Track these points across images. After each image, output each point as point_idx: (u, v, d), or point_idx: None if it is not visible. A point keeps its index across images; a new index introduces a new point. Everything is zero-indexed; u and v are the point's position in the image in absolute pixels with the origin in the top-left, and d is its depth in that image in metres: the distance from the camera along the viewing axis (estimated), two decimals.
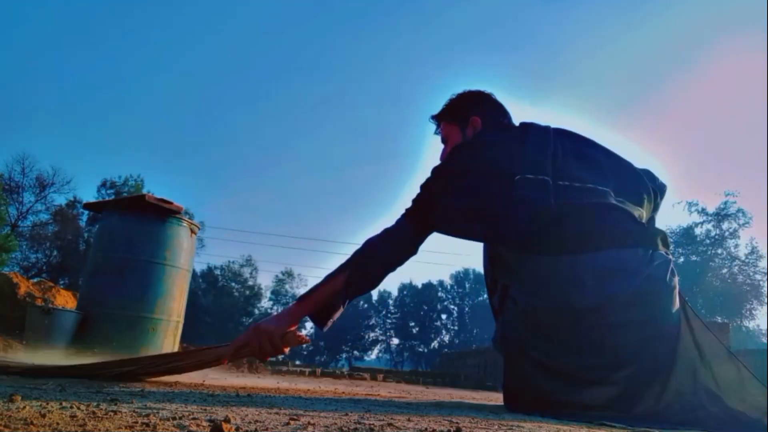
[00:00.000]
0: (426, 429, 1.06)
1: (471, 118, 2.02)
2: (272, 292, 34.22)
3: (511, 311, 1.73)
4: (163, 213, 3.72)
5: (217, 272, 33.04)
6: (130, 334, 3.48)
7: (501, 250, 1.78)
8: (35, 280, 8.65)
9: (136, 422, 0.90)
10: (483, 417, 1.47)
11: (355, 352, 34.00)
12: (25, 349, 3.35)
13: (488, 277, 1.93)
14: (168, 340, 3.67)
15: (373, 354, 34.87)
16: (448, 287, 35.61)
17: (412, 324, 34.45)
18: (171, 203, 3.71)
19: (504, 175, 1.75)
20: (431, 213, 1.82)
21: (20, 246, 21.36)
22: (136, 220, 3.69)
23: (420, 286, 35.23)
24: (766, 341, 24.50)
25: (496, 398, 2.91)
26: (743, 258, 22.51)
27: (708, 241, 22.95)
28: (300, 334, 1.75)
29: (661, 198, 1.97)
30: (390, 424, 1.09)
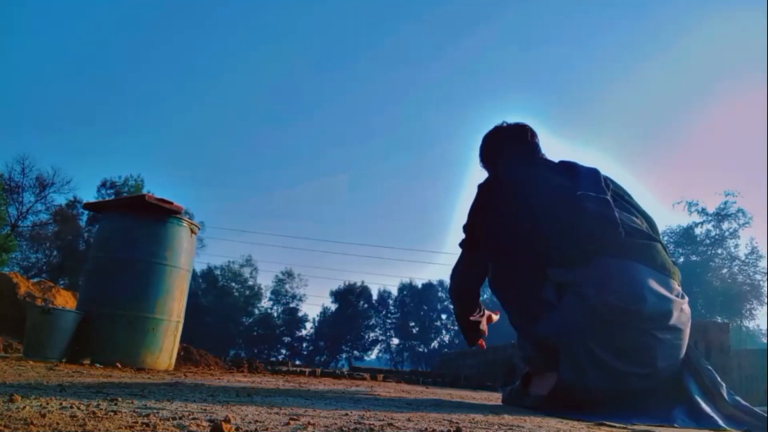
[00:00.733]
0: (426, 429, 1.06)
1: (493, 165, 2.41)
2: (272, 292, 34.17)
3: (576, 306, 1.92)
4: (163, 213, 3.72)
5: (217, 272, 33.00)
6: (130, 334, 3.48)
7: (566, 252, 2.01)
8: (35, 280, 8.66)
9: (136, 422, 0.90)
10: (483, 417, 1.47)
11: (355, 352, 33.97)
12: (25, 349, 3.34)
13: (529, 275, 2.09)
14: (168, 340, 3.67)
15: (373, 354, 34.85)
16: (448, 287, 35.59)
17: (412, 324, 34.42)
18: (171, 203, 3.71)
19: (558, 193, 2.09)
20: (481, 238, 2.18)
21: (20, 246, 21.35)
22: (136, 220, 3.69)
23: (420, 286, 35.20)
24: (766, 341, 24.51)
25: (496, 398, 2.91)
26: (743, 258, 22.51)
27: (708, 241, 22.94)
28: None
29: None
30: (390, 424, 1.09)
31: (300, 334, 34.44)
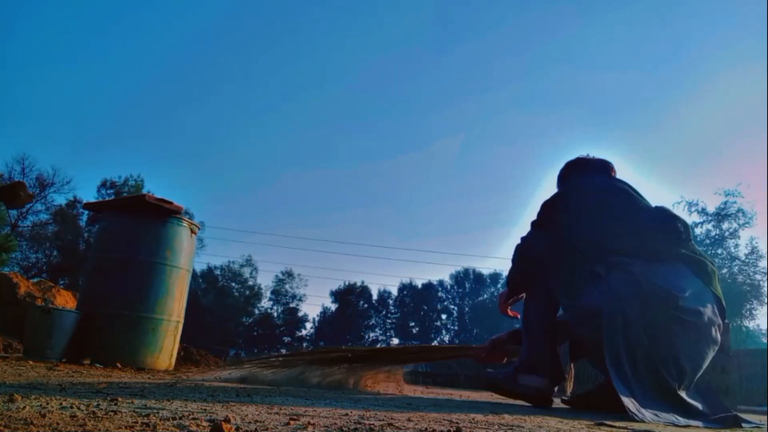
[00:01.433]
0: (426, 429, 1.06)
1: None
2: (272, 292, 34.19)
3: (622, 280, 2.07)
4: (163, 213, 3.72)
5: (217, 272, 33.02)
6: (130, 334, 3.48)
7: (624, 242, 2.19)
8: (35, 280, 8.66)
9: (136, 422, 0.90)
10: (483, 417, 1.47)
11: None
12: (25, 349, 3.34)
13: (584, 255, 2.24)
14: (168, 340, 3.67)
15: None
16: (448, 287, 35.60)
17: (412, 324, 34.44)
18: (171, 203, 3.71)
19: (629, 199, 2.33)
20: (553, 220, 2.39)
21: (20, 246, 21.34)
22: (136, 220, 3.69)
23: (420, 286, 35.23)
24: (766, 341, 24.50)
25: (497, 398, 2.91)
26: (743, 258, 22.50)
27: (708, 241, 22.92)
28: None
29: None
30: (390, 424, 1.09)
31: (300, 334, 34.47)
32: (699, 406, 1.95)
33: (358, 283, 34.58)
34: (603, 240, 2.21)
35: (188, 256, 3.87)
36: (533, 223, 2.45)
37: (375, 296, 34.91)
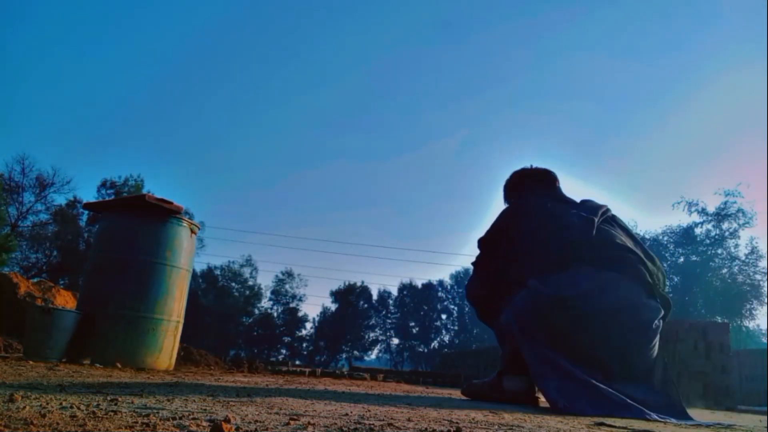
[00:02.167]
0: (426, 429, 1.06)
1: (509, 201, 2.81)
2: (272, 292, 34.15)
3: (524, 297, 2.26)
4: (163, 213, 3.72)
5: (217, 272, 32.97)
6: (130, 334, 3.48)
7: (544, 262, 2.30)
8: (35, 280, 8.65)
9: (136, 422, 0.90)
10: (483, 417, 1.47)
11: (355, 352, 33.94)
12: (25, 349, 3.34)
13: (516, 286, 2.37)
14: (168, 340, 3.66)
15: (373, 354, 34.83)
16: (448, 287, 35.55)
17: (412, 324, 34.40)
18: (171, 203, 3.71)
19: (558, 216, 2.43)
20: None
21: (20, 246, 21.32)
22: (136, 220, 3.69)
23: (420, 286, 35.19)
24: (766, 341, 24.49)
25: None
26: (743, 258, 22.49)
27: (708, 241, 22.91)
28: None
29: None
30: (390, 424, 1.09)
31: (300, 334, 34.43)
32: (636, 395, 2.04)
33: (358, 283, 34.54)
34: (531, 267, 2.34)
35: (188, 256, 3.87)
36: (474, 265, 2.62)
37: (375, 296, 34.86)
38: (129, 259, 3.59)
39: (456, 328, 35.23)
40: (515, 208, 2.64)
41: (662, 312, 2.30)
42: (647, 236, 23.60)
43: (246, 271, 33.27)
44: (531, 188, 2.71)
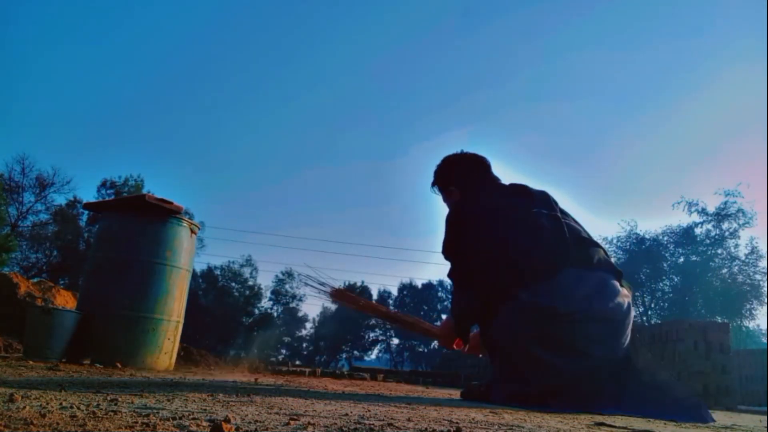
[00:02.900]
0: (426, 429, 1.06)
1: (448, 189, 2.66)
2: (272, 292, 34.17)
3: (511, 310, 2.19)
4: (163, 213, 3.72)
5: (217, 272, 32.98)
6: (130, 334, 3.48)
7: (528, 272, 2.22)
8: (35, 280, 8.65)
9: (136, 422, 0.90)
10: (483, 417, 1.47)
11: (355, 352, 33.97)
12: (25, 349, 3.34)
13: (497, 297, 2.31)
14: (168, 340, 3.66)
15: (373, 354, 34.85)
16: (448, 287, 35.58)
17: None
18: (171, 203, 3.71)
19: (518, 217, 2.32)
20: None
21: (20, 246, 21.31)
22: (136, 220, 3.68)
23: (420, 286, 35.22)
24: (766, 341, 24.48)
25: None
26: (743, 258, 22.47)
27: (708, 241, 22.90)
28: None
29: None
30: (390, 424, 1.09)
31: (300, 334, 34.44)
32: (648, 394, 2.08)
33: (358, 283, 34.55)
34: (514, 277, 2.25)
35: (188, 256, 3.87)
36: (455, 282, 2.46)
37: (375, 296, 34.87)
38: (129, 259, 3.59)
39: None
40: (472, 211, 2.45)
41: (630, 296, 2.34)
42: (647, 236, 23.60)
43: (246, 271, 33.28)
44: (470, 184, 2.57)
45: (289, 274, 33.97)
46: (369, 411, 1.39)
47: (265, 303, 34.28)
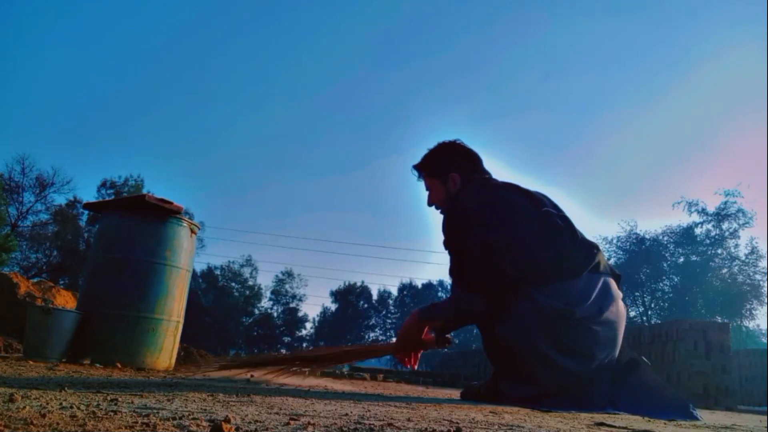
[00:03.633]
0: (426, 429, 1.06)
1: (450, 175, 2.45)
2: (272, 292, 34.19)
3: (528, 310, 2.15)
4: (163, 213, 3.71)
5: (217, 272, 33.00)
6: (130, 334, 3.48)
7: (544, 272, 2.18)
8: (35, 280, 8.65)
9: (136, 422, 0.90)
10: (483, 417, 1.47)
11: None
12: (25, 349, 3.34)
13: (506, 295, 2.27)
14: (168, 340, 3.66)
15: None
16: (448, 287, 35.63)
17: None
18: (171, 203, 3.71)
19: (527, 215, 2.24)
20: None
21: (20, 246, 21.33)
22: (136, 220, 3.68)
23: (420, 286, 35.23)
24: (766, 341, 24.48)
25: None
26: (743, 258, 22.49)
27: (708, 241, 22.91)
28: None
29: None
30: (390, 424, 1.09)
31: (300, 334, 34.47)
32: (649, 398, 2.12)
33: (358, 283, 34.58)
34: (512, 272, 2.17)
35: (188, 256, 3.87)
36: (457, 279, 2.30)
37: (375, 296, 34.92)
38: (129, 259, 3.59)
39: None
40: (485, 203, 2.26)
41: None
42: (647, 236, 23.61)
43: (246, 271, 33.32)
44: (474, 166, 2.45)
45: (289, 274, 33.98)
46: (369, 411, 1.39)
47: (265, 303, 34.30)
